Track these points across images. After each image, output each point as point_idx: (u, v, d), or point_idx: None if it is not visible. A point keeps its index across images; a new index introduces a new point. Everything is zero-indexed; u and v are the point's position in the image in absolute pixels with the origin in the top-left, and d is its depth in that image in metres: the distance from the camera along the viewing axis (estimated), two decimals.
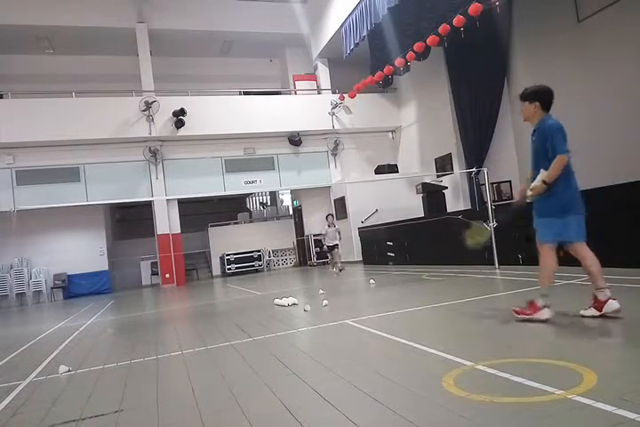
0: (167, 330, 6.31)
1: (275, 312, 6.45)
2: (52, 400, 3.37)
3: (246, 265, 17.01)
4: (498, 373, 2.74)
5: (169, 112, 14.58)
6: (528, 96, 3.99)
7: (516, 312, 4.00)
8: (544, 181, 3.73)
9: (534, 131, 3.95)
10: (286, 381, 3.15)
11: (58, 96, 14.60)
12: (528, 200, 3.91)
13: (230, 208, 22.06)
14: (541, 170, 3.77)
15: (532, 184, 3.84)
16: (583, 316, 3.80)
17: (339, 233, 12.00)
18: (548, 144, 3.76)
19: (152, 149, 14.99)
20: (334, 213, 16.50)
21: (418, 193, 12.57)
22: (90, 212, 15.44)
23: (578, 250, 3.75)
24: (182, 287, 14.52)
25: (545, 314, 3.81)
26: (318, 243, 16.80)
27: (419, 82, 15.07)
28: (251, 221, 19.87)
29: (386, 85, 13.90)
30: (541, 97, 3.94)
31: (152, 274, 16.87)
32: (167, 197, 14.88)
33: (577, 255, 3.77)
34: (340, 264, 12.00)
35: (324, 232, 12.13)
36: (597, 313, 3.72)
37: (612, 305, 3.64)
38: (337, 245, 11.96)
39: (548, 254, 3.82)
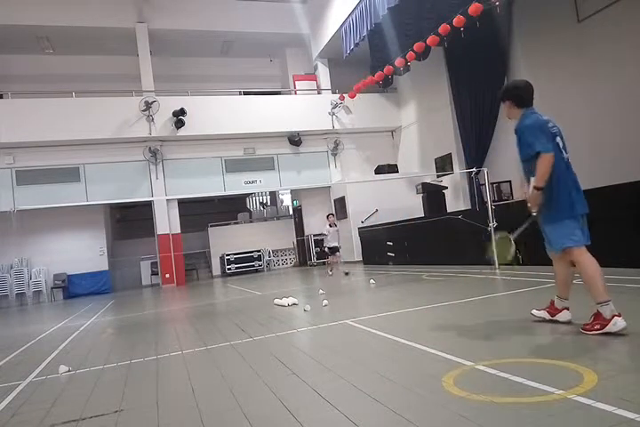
0: (167, 330, 6.31)
1: (275, 312, 6.45)
2: (52, 400, 3.37)
3: (246, 265, 17.00)
4: (498, 373, 2.74)
5: (169, 112, 14.58)
6: (500, 96, 3.78)
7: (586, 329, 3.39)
8: (535, 187, 3.43)
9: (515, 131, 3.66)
10: (286, 381, 3.15)
11: (58, 96, 14.60)
12: (534, 213, 3.53)
13: (230, 208, 22.06)
14: (530, 178, 3.49)
15: (528, 195, 3.53)
16: (533, 315, 3.84)
17: (338, 234, 11.60)
18: (523, 144, 3.50)
19: (152, 148, 14.99)
20: (334, 213, 16.52)
21: (418, 193, 12.57)
22: (90, 212, 15.44)
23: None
24: (182, 287, 14.51)
25: (619, 324, 3.20)
26: (318, 243, 16.83)
27: (419, 82, 15.06)
28: (251, 221, 19.88)
29: (386, 85, 13.89)
30: (510, 94, 3.69)
31: (152, 274, 16.87)
32: (167, 197, 14.88)
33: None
34: (341, 268, 11.58)
35: (325, 232, 11.64)
36: (548, 317, 3.75)
37: (566, 315, 3.68)
38: (338, 247, 11.55)
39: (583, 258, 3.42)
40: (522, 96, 3.65)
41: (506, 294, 5.69)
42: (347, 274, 11.14)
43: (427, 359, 3.25)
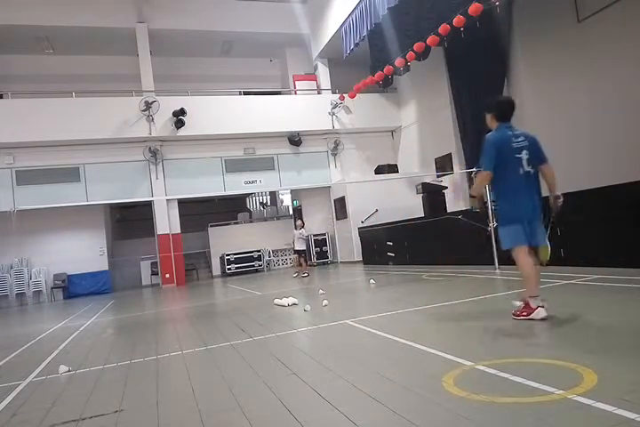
0: (167, 330, 6.31)
1: (275, 312, 6.45)
2: (52, 400, 3.37)
3: (246, 265, 17.00)
4: (498, 373, 2.74)
5: (169, 112, 14.58)
6: (485, 108, 4.27)
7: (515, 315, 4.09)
8: (470, 195, 4.06)
9: None
10: (286, 381, 3.15)
11: (58, 96, 14.60)
12: (477, 210, 4.22)
13: (230, 208, 22.06)
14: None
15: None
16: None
17: (303, 237, 12.57)
18: (481, 157, 4.03)
19: (152, 148, 14.99)
20: (334, 212, 16.56)
21: (418, 193, 12.56)
22: (90, 212, 15.44)
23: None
24: (182, 287, 14.52)
25: (540, 313, 3.89)
26: (318, 243, 16.85)
27: (419, 82, 15.06)
28: (251, 221, 19.87)
29: (386, 85, 13.88)
30: (493, 109, 4.17)
31: (152, 274, 16.87)
32: (167, 197, 14.88)
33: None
34: (305, 272, 12.41)
35: (292, 237, 12.72)
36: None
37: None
38: (304, 251, 12.63)
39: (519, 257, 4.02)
40: (502, 112, 4.14)
41: (506, 294, 5.69)
42: (304, 276, 12.02)
43: (427, 359, 3.25)
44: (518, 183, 3.93)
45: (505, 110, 4.12)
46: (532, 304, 3.92)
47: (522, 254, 3.96)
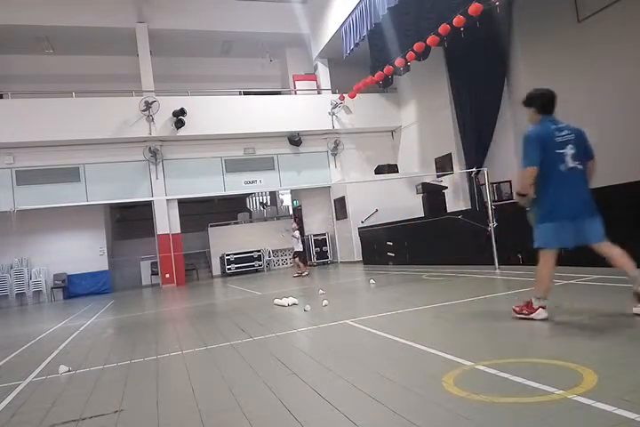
0: (167, 330, 6.31)
1: (275, 312, 6.45)
2: (52, 400, 3.37)
3: (246, 265, 16.99)
4: (498, 373, 2.74)
5: (169, 112, 14.57)
6: (524, 103, 3.99)
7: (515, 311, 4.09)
8: (517, 193, 3.96)
9: None
10: (286, 381, 3.15)
11: (58, 96, 14.60)
12: (527, 208, 4.00)
13: (230, 208, 22.06)
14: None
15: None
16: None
17: (295, 238, 13.06)
18: (523, 154, 3.82)
19: (152, 148, 14.99)
20: (334, 212, 16.57)
21: (418, 193, 12.56)
22: (90, 212, 15.44)
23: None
24: (182, 287, 14.51)
25: (541, 314, 3.88)
26: (318, 243, 16.85)
27: (419, 82, 15.06)
28: (251, 221, 19.86)
29: (386, 85, 13.88)
30: (535, 102, 3.91)
31: (152, 274, 16.87)
32: (167, 197, 14.88)
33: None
34: (305, 271, 12.77)
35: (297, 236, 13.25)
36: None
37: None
38: (301, 251, 13.21)
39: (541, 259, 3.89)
40: (545, 105, 3.88)
41: (506, 293, 5.69)
42: (304, 276, 12.52)
43: (427, 359, 3.25)
44: (560, 181, 3.71)
45: (547, 103, 3.87)
46: (535, 304, 3.91)
47: (547, 257, 3.83)
